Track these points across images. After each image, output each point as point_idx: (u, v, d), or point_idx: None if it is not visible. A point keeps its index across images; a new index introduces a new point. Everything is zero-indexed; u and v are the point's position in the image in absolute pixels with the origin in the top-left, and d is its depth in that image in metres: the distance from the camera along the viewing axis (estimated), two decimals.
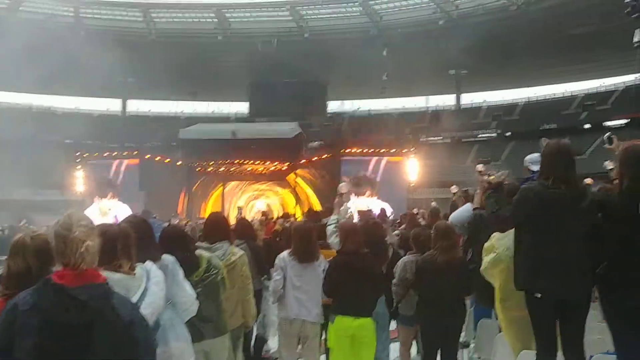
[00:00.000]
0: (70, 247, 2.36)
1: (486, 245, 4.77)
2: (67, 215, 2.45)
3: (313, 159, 28.66)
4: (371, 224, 6.15)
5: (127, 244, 3.08)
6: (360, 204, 23.98)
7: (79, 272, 2.35)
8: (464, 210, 6.07)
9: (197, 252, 4.56)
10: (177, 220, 11.74)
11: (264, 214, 12.31)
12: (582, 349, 4.05)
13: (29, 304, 2.31)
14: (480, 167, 6.17)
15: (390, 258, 6.36)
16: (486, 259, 4.73)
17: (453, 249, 5.67)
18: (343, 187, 7.47)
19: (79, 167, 27.76)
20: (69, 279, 2.33)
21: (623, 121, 40.80)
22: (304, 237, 5.52)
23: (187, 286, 3.73)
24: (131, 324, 2.41)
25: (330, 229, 6.13)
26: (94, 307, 2.31)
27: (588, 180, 6.00)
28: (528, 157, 6.34)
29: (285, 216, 14.91)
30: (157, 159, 29.04)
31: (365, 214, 9.30)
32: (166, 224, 8.36)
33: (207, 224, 5.47)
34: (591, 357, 4.13)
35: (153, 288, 3.03)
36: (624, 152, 3.89)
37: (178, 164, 28.91)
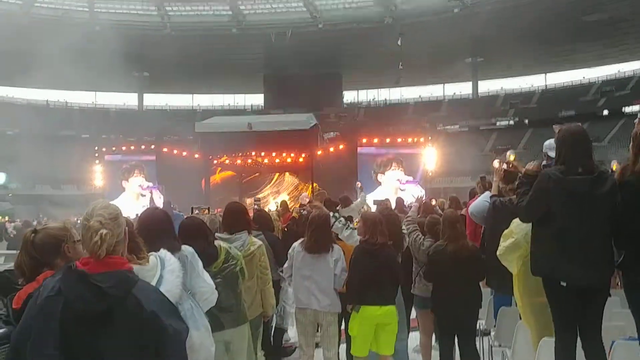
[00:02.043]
0: (88, 235, 2.39)
1: (505, 231, 4.74)
2: (92, 205, 2.49)
3: (329, 150, 28.61)
4: (386, 215, 6.12)
5: (131, 237, 3.08)
6: (391, 178, 23.91)
7: (102, 259, 2.37)
8: (483, 199, 6.01)
9: (216, 243, 4.58)
10: (197, 212, 11.83)
11: (281, 204, 12.30)
12: (600, 336, 4.02)
13: (54, 290, 2.33)
14: (496, 162, 6.04)
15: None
16: (503, 244, 4.70)
17: (461, 238, 5.68)
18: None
19: (97, 162, 27.97)
20: (91, 265, 2.35)
21: None
22: (317, 228, 5.51)
23: (207, 276, 3.74)
24: (156, 312, 2.39)
25: (337, 225, 6.07)
26: (113, 295, 2.31)
27: (614, 165, 5.90)
28: (547, 143, 6.27)
29: (302, 205, 14.90)
30: (174, 152, 29.19)
31: (381, 204, 9.27)
32: (186, 216, 8.40)
33: (226, 214, 5.47)
34: (613, 342, 4.09)
35: (168, 276, 3.03)
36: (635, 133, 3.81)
37: (195, 157, 29.02)
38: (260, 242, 5.37)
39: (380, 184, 26.23)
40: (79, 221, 4.87)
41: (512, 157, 5.84)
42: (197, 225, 4.61)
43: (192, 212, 11.55)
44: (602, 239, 3.89)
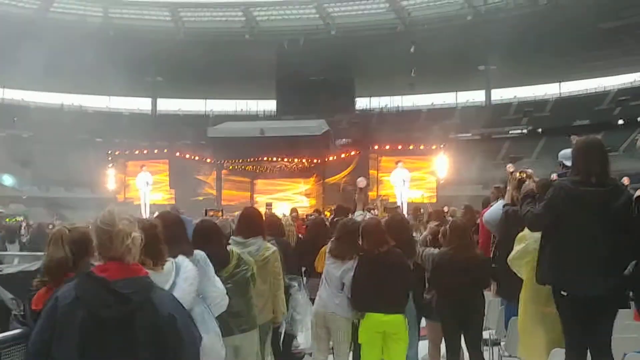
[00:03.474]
0: (117, 240, 2.38)
1: (520, 234, 4.73)
2: (108, 211, 2.48)
3: (342, 156, 28.67)
4: (397, 220, 6.12)
5: (149, 242, 3.10)
6: (398, 175, 24.06)
7: (123, 265, 2.37)
8: (498, 206, 6.00)
9: (229, 247, 4.60)
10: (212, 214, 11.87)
11: (293, 210, 12.35)
12: (610, 348, 3.99)
13: (71, 297, 2.34)
14: (510, 166, 6.09)
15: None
16: (516, 248, 4.70)
17: (469, 247, 5.70)
18: (361, 181, 7.44)
19: (110, 165, 28.15)
20: (111, 272, 2.35)
21: None
22: (341, 234, 5.54)
23: (218, 281, 3.76)
24: (172, 317, 2.41)
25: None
26: (135, 301, 2.33)
27: (625, 180, 5.89)
28: (562, 152, 6.26)
29: (315, 212, 14.96)
30: (186, 156, 29.36)
31: (392, 211, 9.29)
32: (195, 221, 8.42)
33: (241, 219, 5.50)
34: (624, 355, 4.05)
35: (181, 284, 3.05)
36: None
37: (207, 161, 29.16)
38: (274, 248, 5.41)
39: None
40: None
41: (510, 168, 5.88)
42: (212, 228, 4.64)
43: (205, 214, 11.63)
44: (612, 251, 3.86)
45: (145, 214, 21.05)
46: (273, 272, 5.26)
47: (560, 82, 50.46)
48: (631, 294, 4.10)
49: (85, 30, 42.91)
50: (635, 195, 3.89)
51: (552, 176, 5.63)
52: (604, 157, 4.04)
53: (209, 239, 4.39)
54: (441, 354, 6.46)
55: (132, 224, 2.45)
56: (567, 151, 5.65)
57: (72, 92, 51.04)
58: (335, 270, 5.43)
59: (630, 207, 3.83)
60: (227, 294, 3.81)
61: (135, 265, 2.44)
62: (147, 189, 24.65)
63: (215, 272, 3.88)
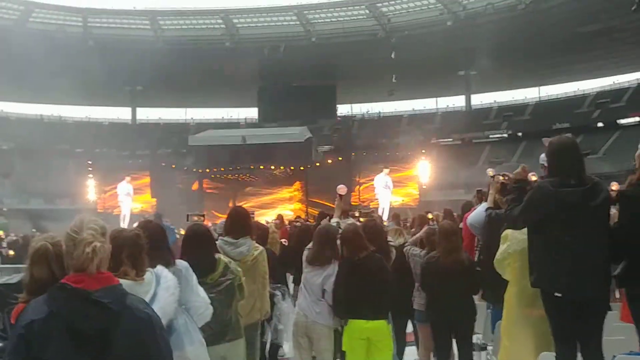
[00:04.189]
0: (79, 248, 2.32)
1: (503, 233, 4.72)
2: (79, 219, 2.42)
3: (324, 162, 28.72)
4: (370, 226, 6.07)
5: (133, 251, 3.04)
6: (381, 180, 24.26)
7: (95, 275, 2.32)
8: (481, 209, 6.01)
9: (217, 255, 4.56)
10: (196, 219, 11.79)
11: (278, 217, 12.32)
12: (600, 350, 3.98)
13: (44, 312, 2.26)
14: (490, 171, 6.10)
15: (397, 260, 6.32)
16: (500, 248, 4.69)
17: (456, 250, 5.71)
18: (341, 189, 7.41)
19: (91, 176, 27.92)
20: (87, 282, 2.30)
21: (637, 119, 40.46)
22: (318, 241, 5.50)
23: (201, 291, 3.70)
24: (150, 323, 2.39)
25: None
26: (114, 310, 2.28)
27: (613, 186, 5.92)
28: (543, 155, 6.29)
29: (297, 219, 14.93)
30: (168, 165, 29.22)
31: (367, 216, 9.23)
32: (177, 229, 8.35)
33: (229, 219, 5.46)
34: (614, 357, 4.05)
35: (162, 293, 3.00)
36: None
37: (189, 169, 29.03)
38: (262, 248, 5.41)
39: None
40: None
41: (490, 172, 5.89)
42: (203, 234, 4.62)
43: (187, 219, 11.56)
44: (597, 251, 3.86)
45: (124, 224, 20.90)
46: (262, 272, 5.26)
47: (539, 86, 50.93)
48: (617, 293, 4.10)
49: (64, 40, 42.62)
50: (615, 194, 3.90)
51: (532, 177, 5.64)
52: (578, 155, 4.04)
53: (199, 244, 4.39)
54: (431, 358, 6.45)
55: (98, 233, 2.38)
56: None
57: (52, 103, 50.60)
58: (315, 278, 5.38)
59: (609, 204, 3.84)
60: (211, 303, 3.76)
61: (108, 274, 2.40)
62: (128, 200, 24.50)
63: (200, 279, 3.86)
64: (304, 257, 5.57)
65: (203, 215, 13.88)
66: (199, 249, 4.26)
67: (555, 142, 4.13)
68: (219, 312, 4.03)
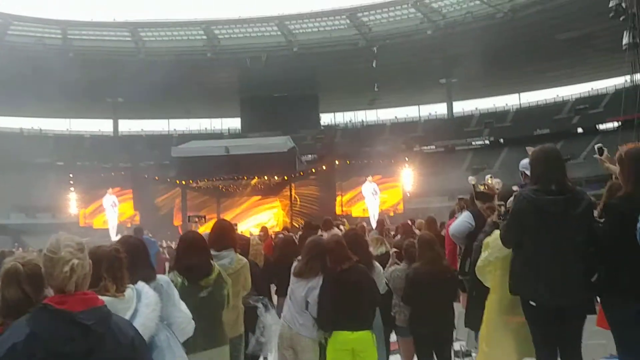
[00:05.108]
0: (57, 268, 2.29)
1: (485, 240, 4.73)
2: (56, 238, 2.38)
3: (308, 172, 28.71)
4: (351, 235, 6.06)
5: (113, 266, 3.02)
6: (368, 188, 24.30)
7: (80, 296, 2.29)
8: (463, 219, 6.02)
9: (212, 262, 4.59)
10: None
11: (262, 229, 12.27)
12: (580, 355, 4.00)
13: (24, 334, 2.20)
14: (472, 179, 6.12)
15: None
16: (482, 255, 4.70)
17: (437, 259, 5.73)
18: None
19: (72, 189, 27.72)
20: (70, 304, 2.26)
21: (616, 124, 40.89)
22: (307, 253, 5.48)
23: (183, 306, 3.68)
24: (133, 345, 2.37)
25: None
26: (98, 332, 2.25)
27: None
28: (522, 162, 6.30)
29: (284, 230, 14.88)
30: (150, 177, 29.06)
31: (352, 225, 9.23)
32: (159, 242, 8.31)
33: (213, 231, 5.45)
34: None
35: (143, 310, 2.97)
36: (626, 155, 3.82)
37: (172, 180, 28.88)
38: (245, 260, 5.38)
39: None
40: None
41: (489, 180, 5.90)
42: (197, 240, 4.64)
43: (189, 220, 11.52)
44: (577, 259, 3.88)
45: (114, 235, 20.78)
46: (244, 285, 5.26)
47: (519, 92, 51.43)
48: (598, 299, 4.12)
49: (44, 52, 42.36)
50: (599, 207, 3.92)
51: (513, 187, 5.67)
52: (561, 164, 4.07)
53: (196, 249, 4.43)
54: None
55: (76, 250, 2.35)
56: (527, 161, 5.72)
57: (32, 116, 50.24)
58: (299, 290, 5.37)
59: (591, 213, 3.87)
60: (204, 305, 3.76)
61: (92, 294, 2.36)
62: (114, 211, 24.38)
63: (197, 281, 3.83)
64: (292, 269, 5.55)
65: (204, 217, 13.80)
66: (195, 254, 4.32)
67: (539, 150, 4.16)
68: (205, 318, 4.03)
